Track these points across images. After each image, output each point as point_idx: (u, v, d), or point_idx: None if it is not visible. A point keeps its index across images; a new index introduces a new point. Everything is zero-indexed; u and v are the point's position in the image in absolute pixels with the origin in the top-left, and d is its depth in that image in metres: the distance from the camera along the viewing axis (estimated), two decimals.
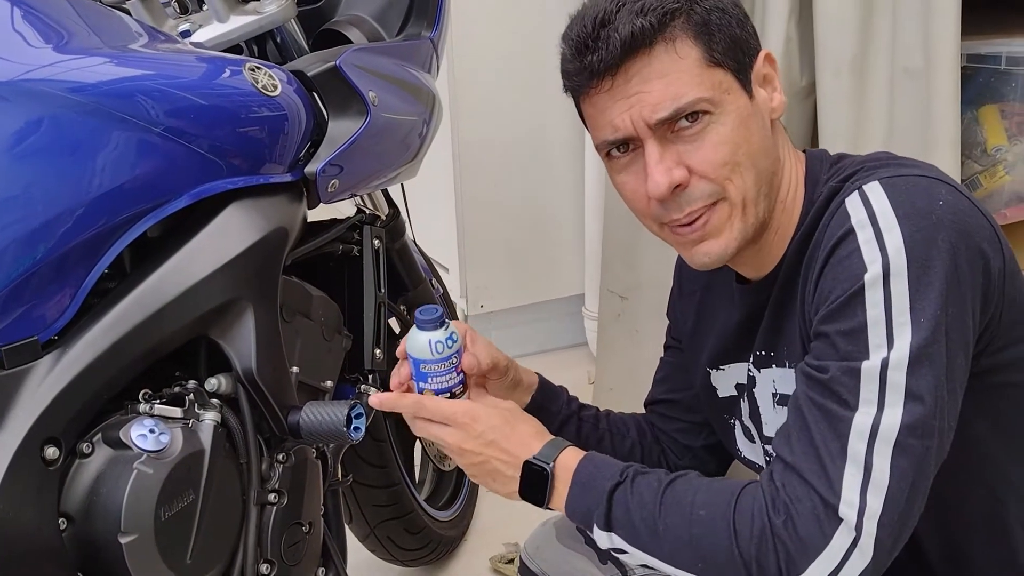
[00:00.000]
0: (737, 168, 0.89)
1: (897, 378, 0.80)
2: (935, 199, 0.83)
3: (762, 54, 0.93)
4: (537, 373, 1.12)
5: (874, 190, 0.85)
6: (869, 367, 0.80)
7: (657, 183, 0.89)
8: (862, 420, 0.80)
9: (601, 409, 1.17)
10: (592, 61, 0.88)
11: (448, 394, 0.96)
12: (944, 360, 0.81)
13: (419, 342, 0.94)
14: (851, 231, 0.84)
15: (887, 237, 0.82)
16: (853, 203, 0.85)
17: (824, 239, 0.87)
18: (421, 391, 0.96)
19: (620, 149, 0.92)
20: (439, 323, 0.94)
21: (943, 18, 1.49)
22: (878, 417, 0.80)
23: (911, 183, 0.84)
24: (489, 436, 0.93)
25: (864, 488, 0.79)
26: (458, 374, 0.96)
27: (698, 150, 0.89)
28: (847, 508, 0.79)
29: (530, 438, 0.94)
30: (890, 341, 0.80)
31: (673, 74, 0.88)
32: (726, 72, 0.89)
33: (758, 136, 0.91)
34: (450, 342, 0.94)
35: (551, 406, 1.11)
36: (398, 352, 0.99)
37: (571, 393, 1.17)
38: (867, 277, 0.81)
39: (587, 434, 1.13)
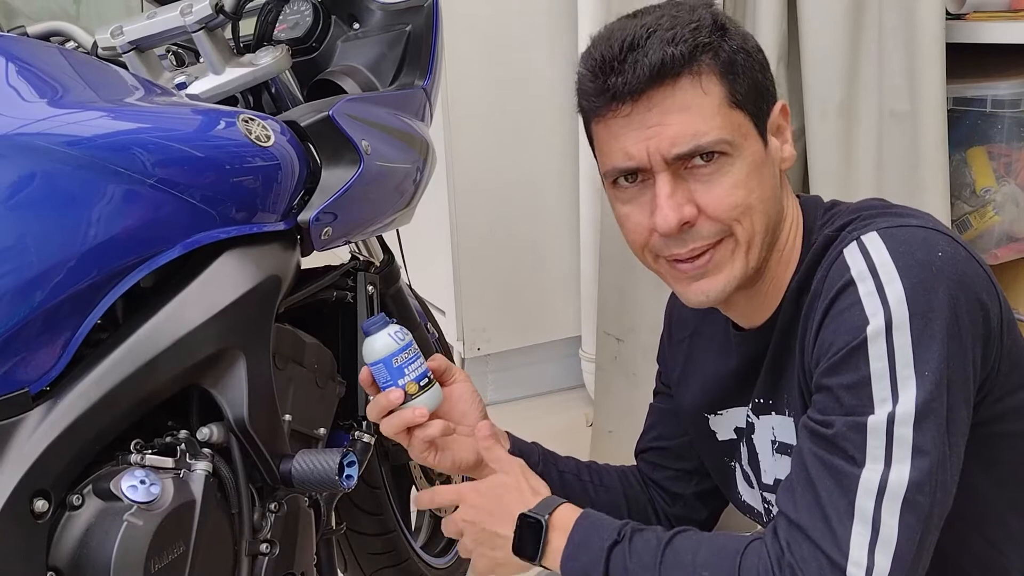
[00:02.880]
0: (748, 211, 0.88)
1: (904, 433, 0.79)
2: (934, 250, 0.82)
3: (778, 104, 0.92)
4: (507, 431, 1.11)
5: (873, 241, 0.84)
6: (875, 422, 0.80)
7: (667, 217, 0.87)
8: (869, 476, 0.79)
9: (582, 460, 1.15)
10: (615, 84, 0.85)
11: (426, 379, 0.97)
12: (948, 413, 0.80)
13: (380, 341, 0.95)
14: (851, 283, 0.83)
15: (888, 289, 0.81)
16: (852, 254, 0.84)
17: (823, 290, 0.86)
18: (403, 387, 0.95)
19: (628, 179, 0.90)
20: (387, 321, 0.97)
21: (928, 62, 1.51)
22: (886, 473, 0.79)
23: (909, 234, 0.84)
24: (494, 490, 0.95)
25: (872, 547, 0.78)
26: (423, 359, 0.97)
27: (710, 190, 0.87)
28: (855, 568, 0.78)
29: (530, 494, 0.94)
30: (895, 395, 0.79)
31: (695, 109, 0.86)
32: (745, 116, 0.88)
33: (769, 184, 0.90)
34: (404, 331, 0.97)
35: (529, 459, 1.07)
36: (362, 381, 0.98)
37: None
38: (869, 330, 0.80)
39: (570, 487, 1.10)
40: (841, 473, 0.80)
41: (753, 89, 0.88)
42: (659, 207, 0.87)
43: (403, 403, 0.96)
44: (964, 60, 1.64)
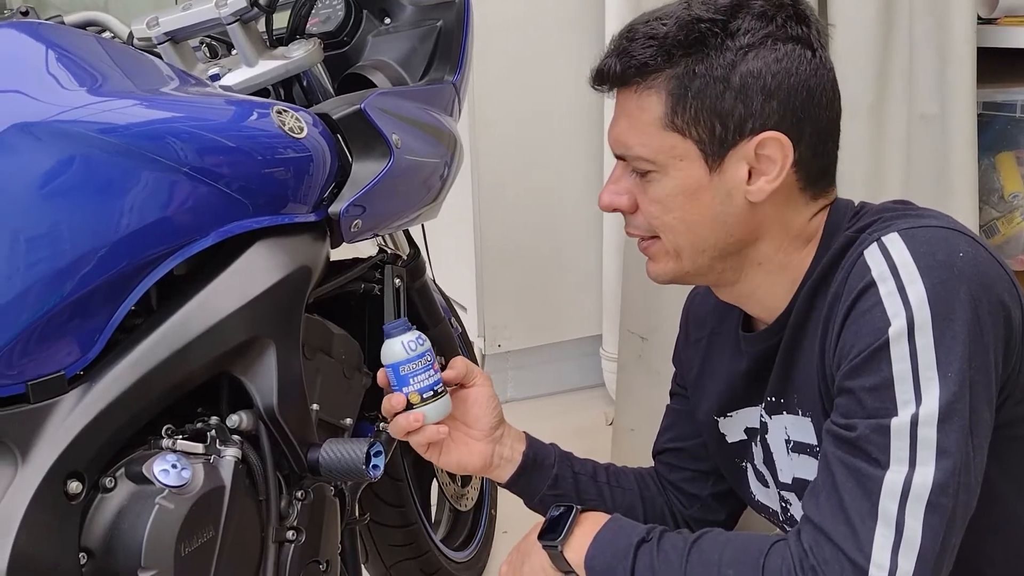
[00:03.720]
0: (666, 228, 0.92)
1: (928, 435, 0.79)
2: (955, 251, 0.82)
3: (764, 137, 0.87)
4: (524, 431, 1.12)
5: (894, 242, 0.84)
6: (898, 424, 0.80)
7: (601, 198, 0.95)
8: (893, 479, 0.79)
9: (599, 462, 1.16)
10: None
11: (431, 392, 0.98)
12: (971, 415, 0.80)
13: (393, 348, 0.98)
14: (872, 284, 0.83)
15: (910, 290, 0.81)
16: (872, 255, 0.84)
17: (844, 291, 0.86)
18: (407, 395, 0.98)
19: None
20: (406, 328, 0.99)
21: (959, 65, 1.50)
22: (910, 475, 0.79)
23: (930, 234, 0.84)
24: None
25: (896, 549, 0.78)
26: (436, 372, 0.99)
27: (643, 193, 0.92)
28: (877, 570, 0.78)
29: None
30: (918, 397, 0.79)
31: (632, 120, 0.90)
32: (685, 139, 0.88)
33: (706, 210, 0.90)
34: (420, 340, 0.99)
35: (544, 460, 1.09)
36: (379, 380, 1.01)
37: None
38: (891, 331, 0.80)
39: (584, 488, 1.11)
40: (864, 476, 0.81)
41: (708, 116, 0.87)
42: (603, 187, 0.95)
43: (404, 409, 0.98)
44: (995, 64, 1.63)
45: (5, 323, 0.79)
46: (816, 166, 0.92)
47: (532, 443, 1.10)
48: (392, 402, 0.99)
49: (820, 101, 0.90)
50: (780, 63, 0.87)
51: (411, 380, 0.98)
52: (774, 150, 0.88)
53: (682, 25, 0.87)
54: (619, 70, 0.89)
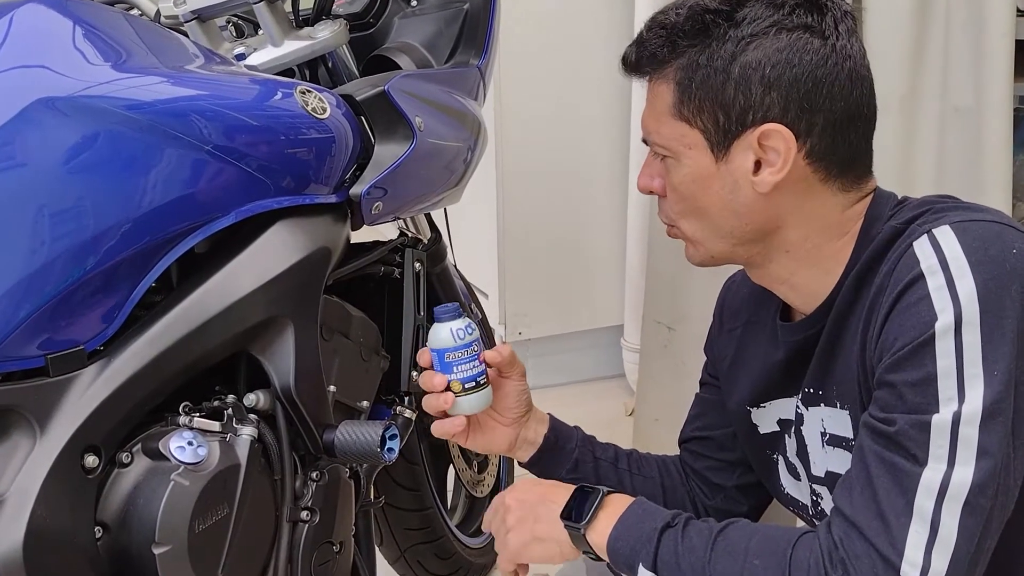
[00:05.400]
0: (683, 214, 0.93)
1: (969, 433, 0.77)
2: (1008, 247, 0.80)
3: (765, 129, 0.86)
4: (548, 413, 1.12)
5: (945, 234, 0.82)
6: (940, 421, 0.78)
7: (637, 181, 0.97)
8: (931, 476, 0.78)
9: (622, 448, 1.15)
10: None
11: (473, 383, 0.98)
12: (1014, 415, 0.78)
13: (441, 333, 0.98)
14: (920, 276, 0.81)
15: (959, 284, 0.79)
16: (922, 247, 0.83)
17: (891, 282, 0.84)
18: (449, 384, 0.98)
19: None
20: (457, 314, 0.98)
21: (995, 58, 1.47)
22: (948, 473, 0.77)
23: (983, 228, 0.82)
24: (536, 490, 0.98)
25: (929, 547, 0.77)
26: (480, 364, 0.99)
27: (666, 180, 0.94)
28: (909, 568, 0.77)
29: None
30: (961, 394, 0.78)
31: (651, 108, 0.93)
32: (692, 128, 0.89)
33: (715, 198, 0.90)
34: (469, 329, 0.98)
35: (566, 444, 1.09)
36: (420, 360, 1.01)
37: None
38: (938, 326, 0.79)
39: (604, 474, 1.10)
40: (901, 471, 0.79)
41: (712, 106, 0.87)
42: (641, 169, 0.97)
43: (443, 391, 0.98)
44: None
45: (27, 296, 0.80)
46: (837, 158, 0.90)
47: (555, 426, 1.10)
48: (434, 380, 0.99)
49: (831, 91, 0.87)
50: (781, 53, 0.86)
51: (454, 368, 0.97)
52: (777, 142, 0.87)
53: (690, 15, 0.88)
54: (634, 60, 0.92)
